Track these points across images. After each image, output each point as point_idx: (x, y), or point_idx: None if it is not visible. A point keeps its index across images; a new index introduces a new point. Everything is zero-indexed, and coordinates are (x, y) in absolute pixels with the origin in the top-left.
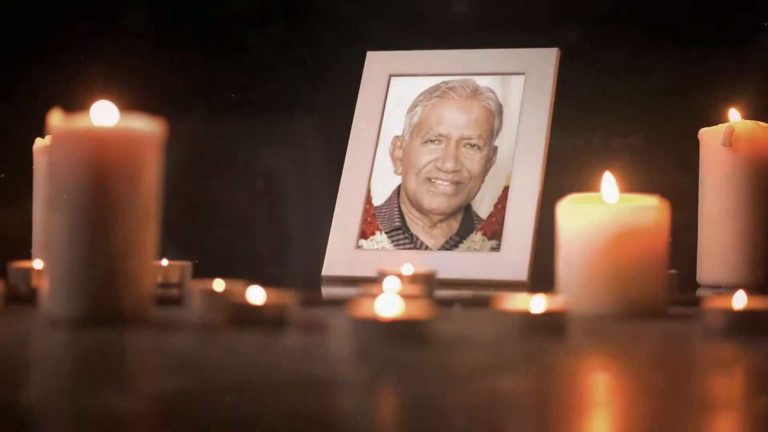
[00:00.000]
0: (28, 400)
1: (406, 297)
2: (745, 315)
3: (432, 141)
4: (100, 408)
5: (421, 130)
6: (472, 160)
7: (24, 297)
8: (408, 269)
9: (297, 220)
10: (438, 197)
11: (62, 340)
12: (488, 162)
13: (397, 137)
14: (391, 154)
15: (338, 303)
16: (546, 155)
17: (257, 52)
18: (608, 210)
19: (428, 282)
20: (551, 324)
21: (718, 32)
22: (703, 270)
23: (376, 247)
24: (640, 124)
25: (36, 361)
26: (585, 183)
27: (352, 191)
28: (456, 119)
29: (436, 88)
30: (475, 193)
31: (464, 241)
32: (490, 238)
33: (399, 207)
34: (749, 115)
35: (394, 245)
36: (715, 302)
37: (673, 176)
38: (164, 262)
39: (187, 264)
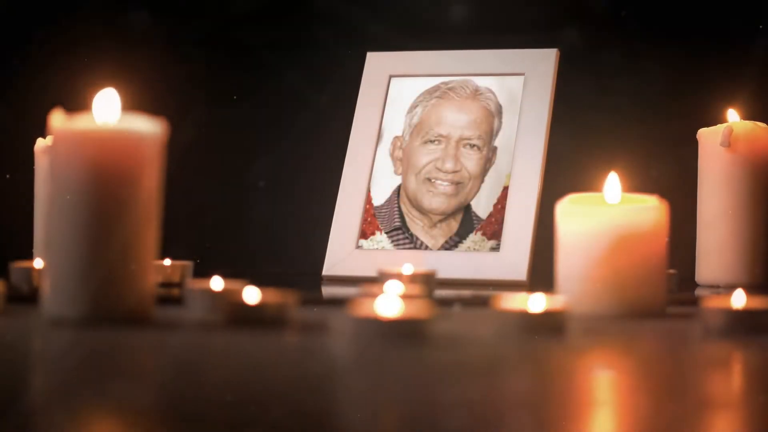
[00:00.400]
0: (30, 400)
1: (406, 297)
2: (744, 314)
3: (432, 141)
4: (101, 407)
5: (420, 131)
6: (472, 161)
7: (25, 297)
8: (408, 269)
9: (297, 220)
10: (438, 197)
11: (63, 339)
12: (488, 162)
13: (397, 137)
14: (391, 155)
15: (338, 303)
16: (545, 155)
17: (258, 53)
18: (607, 210)
19: (428, 282)
20: (550, 324)
21: (716, 33)
22: (701, 270)
23: (376, 247)
24: (639, 125)
25: (37, 361)
26: (584, 183)
27: (352, 191)
28: (456, 119)
29: (435, 88)
30: (475, 193)
31: (464, 241)
32: (489, 238)
33: (399, 207)
34: (748, 116)
35: (394, 245)
36: (713, 302)
37: (672, 176)
38: (166, 262)
39: (188, 264)
